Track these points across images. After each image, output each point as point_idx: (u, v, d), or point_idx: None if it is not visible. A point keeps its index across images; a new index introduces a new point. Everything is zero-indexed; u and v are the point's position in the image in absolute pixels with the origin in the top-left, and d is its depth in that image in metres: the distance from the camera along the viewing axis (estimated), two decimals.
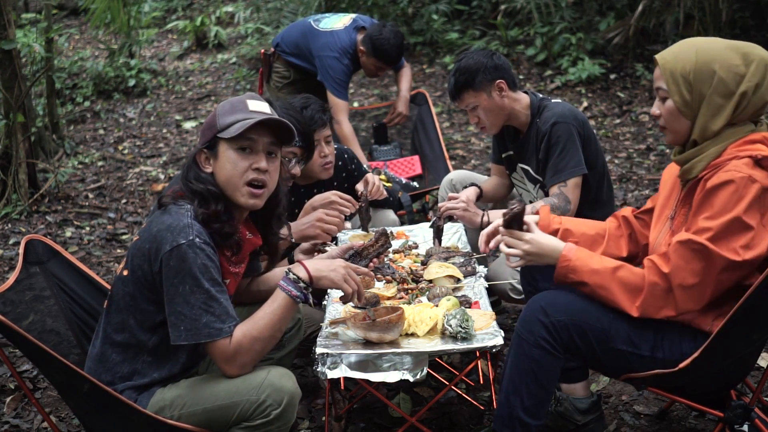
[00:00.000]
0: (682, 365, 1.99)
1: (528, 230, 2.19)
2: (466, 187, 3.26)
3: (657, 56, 2.10)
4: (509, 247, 2.18)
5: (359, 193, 3.07)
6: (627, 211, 2.41)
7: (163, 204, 2.08)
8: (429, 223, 3.13)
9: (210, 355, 2.01)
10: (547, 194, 3.07)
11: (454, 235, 3.09)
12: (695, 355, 1.97)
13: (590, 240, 2.34)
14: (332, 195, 2.87)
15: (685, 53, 2.03)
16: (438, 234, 2.93)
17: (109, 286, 2.45)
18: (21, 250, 2.30)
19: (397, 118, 4.67)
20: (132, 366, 2.08)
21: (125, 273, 2.07)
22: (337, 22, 4.52)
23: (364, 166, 3.40)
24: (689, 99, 2.03)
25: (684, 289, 1.96)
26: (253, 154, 2.10)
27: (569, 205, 2.91)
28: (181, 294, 1.95)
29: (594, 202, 3.03)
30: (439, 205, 3.08)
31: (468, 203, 3.03)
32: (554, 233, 2.31)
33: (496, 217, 2.94)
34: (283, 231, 2.72)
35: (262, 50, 4.88)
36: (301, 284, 2.05)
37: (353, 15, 4.67)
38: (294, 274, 2.06)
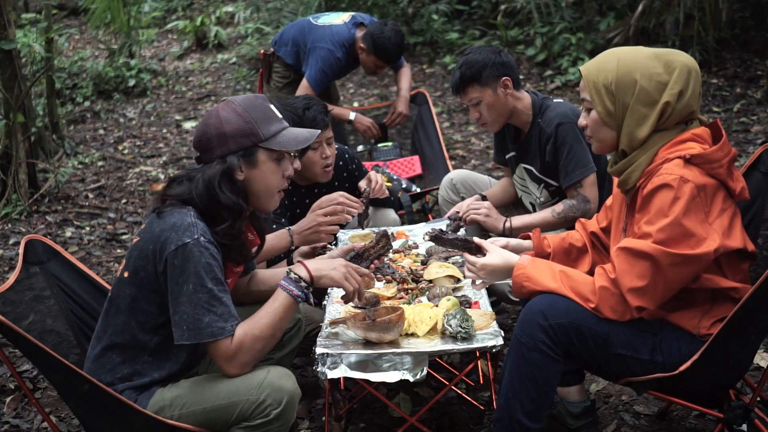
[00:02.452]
0: (682, 368, 1.98)
1: (484, 253, 2.26)
2: (469, 195, 3.26)
3: (581, 67, 2.12)
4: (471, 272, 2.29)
5: (362, 189, 3.07)
6: (593, 225, 2.41)
7: (161, 209, 2.06)
8: (431, 223, 3.12)
9: (211, 355, 2.01)
10: (551, 194, 3.08)
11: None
12: (695, 357, 1.97)
13: (572, 258, 2.39)
14: (340, 196, 2.86)
15: (607, 63, 2.05)
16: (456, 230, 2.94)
17: (109, 287, 2.45)
18: (21, 250, 2.30)
19: (398, 118, 4.66)
20: (132, 367, 2.08)
21: (126, 275, 2.06)
22: (336, 18, 4.52)
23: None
24: (612, 109, 2.04)
25: (633, 291, 1.97)
26: (284, 162, 2.15)
27: (588, 204, 2.91)
28: (185, 293, 1.95)
29: (598, 202, 3.04)
30: (460, 212, 3.06)
31: (490, 209, 3.04)
32: (546, 257, 2.36)
33: (519, 223, 2.95)
34: (285, 236, 2.73)
35: (262, 51, 4.88)
36: (303, 284, 2.06)
37: (352, 12, 4.67)
38: (295, 273, 2.07)
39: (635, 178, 2.05)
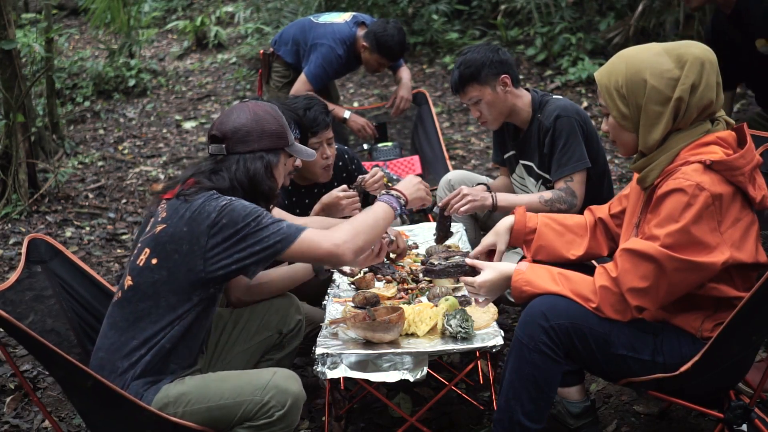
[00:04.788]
0: (682, 369, 1.98)
1: (479, 272, 2.25)
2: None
3: (595, 74, 2.12)
4: (473, 293, 2.30)
5: (357, 178, 3.07)
6: (603, 211, 2.40)
7: (186, 195, 2.10)
8: (431, 223, 3.12)
9: (299, 253, 2.05)
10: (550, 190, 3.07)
11: (455, 234, 3.09)
12: (696, 358, 1.97)
13: (566, 240, 2.39)
14: (338, 192, 2.88)
15: (617, 67, 2.04)
16: (442, 227, 2.91)
17: (110, 286, 2.46)
18: (24, 249, 2.30)
19: (401, 102, 4.60)
20: (152, 354, 2.06)
21: (154, 261, 2.06)
22: (337, 18, 4.52)
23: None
24: (626, 112, 2.03)
25: (633, 291, 1.97)
26: (286, 168, 2.30)
27: (575, 199, 2.91)
28: (252, 230, 2.01)
29: (594, 200, 3.03)
30: (441, 204, 3.03)
31: (470, 192, 2.94)
32: (531, 232, 2.37)
33: (504, 203, 2.93)
34: None
35: (261, 51, 4.88)
36: (402, 200, 2.25)
37: (353, 12, 4.67)
38: (396, 192, 2.28)
39: (654, 176, 2.03)
